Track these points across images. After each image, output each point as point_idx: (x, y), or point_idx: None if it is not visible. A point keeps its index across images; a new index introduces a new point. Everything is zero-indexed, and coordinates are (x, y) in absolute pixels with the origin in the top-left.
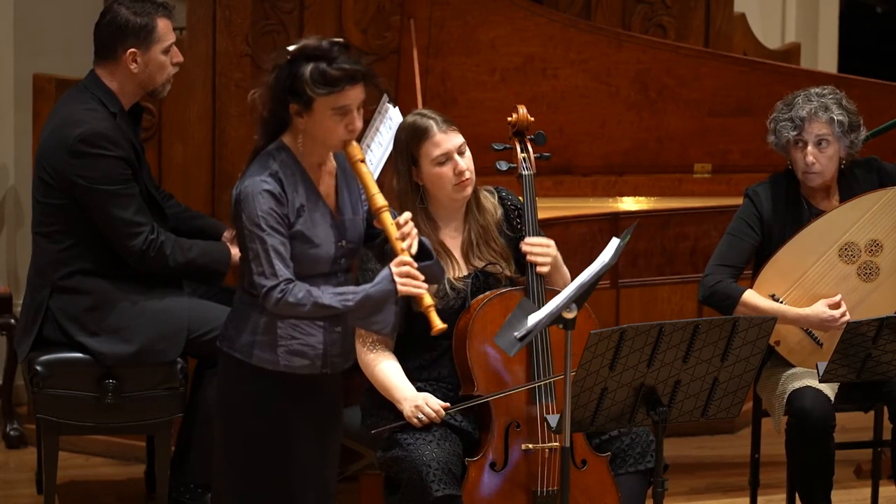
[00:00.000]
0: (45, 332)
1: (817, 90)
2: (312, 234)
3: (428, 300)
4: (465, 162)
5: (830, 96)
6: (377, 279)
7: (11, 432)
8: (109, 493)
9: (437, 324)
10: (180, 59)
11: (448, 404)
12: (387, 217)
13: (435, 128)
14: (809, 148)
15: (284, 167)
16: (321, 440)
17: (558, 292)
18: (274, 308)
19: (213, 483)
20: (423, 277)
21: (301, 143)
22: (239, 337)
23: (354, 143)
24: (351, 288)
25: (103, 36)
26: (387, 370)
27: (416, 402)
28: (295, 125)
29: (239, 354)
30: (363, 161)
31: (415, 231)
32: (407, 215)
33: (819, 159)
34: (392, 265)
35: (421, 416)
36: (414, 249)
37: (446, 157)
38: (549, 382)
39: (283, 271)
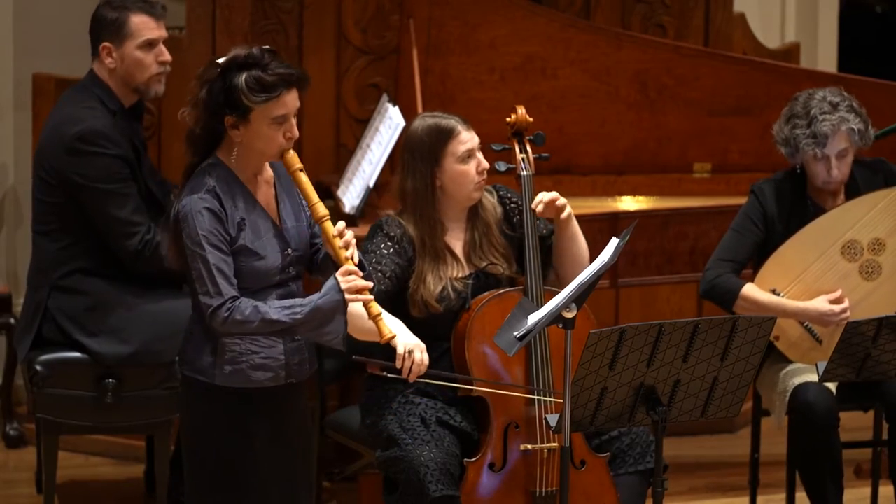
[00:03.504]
0: (44, 332)
1: (830, 98)
2: (257, 246)
3: (376, 309)
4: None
5: (845, 104)
6: (324, 290)
7: (11, 432)
8: (109, 493)
9: (386, 332)
10: (167, 58)
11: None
12: (329, 226)
13: (459, 126)
14: (833, 161)
15: (221, 182)
16: (290, 454)
17: (557, 292)
18: (221, 327)
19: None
20: (370, 285)
21: (235, 156)
22: (199, 358)
23: (292, 152)
24: (298, 301)
25: (89, 32)
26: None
27: (410, 346)
28: (230, 138)
29: (202, 376)
30: (302, 170)
31: (354, 239)
32: (342, 224)
33: (841, 170)
34: (338, 274)
35: (410, 363)
36: (356, 258)
37: (470, 155)
38: (548, 382)
39: (228, 289)
